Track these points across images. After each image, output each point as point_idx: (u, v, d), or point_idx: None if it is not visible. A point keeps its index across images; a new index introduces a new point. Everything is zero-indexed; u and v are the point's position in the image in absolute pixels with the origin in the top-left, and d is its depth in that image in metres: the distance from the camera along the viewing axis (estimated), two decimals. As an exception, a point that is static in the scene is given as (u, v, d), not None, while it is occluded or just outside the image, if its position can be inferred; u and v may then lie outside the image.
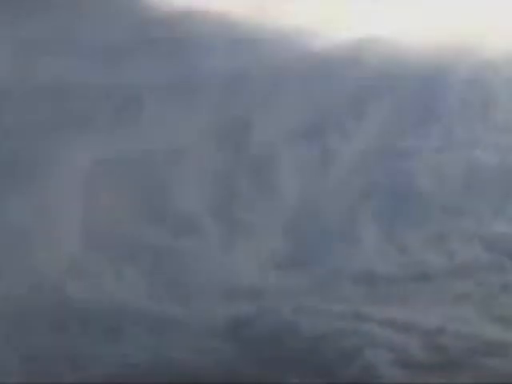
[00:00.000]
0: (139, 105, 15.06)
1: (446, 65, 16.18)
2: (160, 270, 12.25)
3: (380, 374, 10.35)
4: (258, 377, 10.37)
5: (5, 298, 11.27)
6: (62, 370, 10.41)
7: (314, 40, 16.62)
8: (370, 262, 12.50)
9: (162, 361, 10.64)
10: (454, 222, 13.14)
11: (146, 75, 15.63)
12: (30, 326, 10.96)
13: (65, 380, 10.29)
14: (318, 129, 15.02)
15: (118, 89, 15.26)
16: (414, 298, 11.84)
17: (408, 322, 11.28)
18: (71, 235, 12.56)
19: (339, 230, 13.05)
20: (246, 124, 14.93)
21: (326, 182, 14.02)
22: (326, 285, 12.08)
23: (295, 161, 14.35)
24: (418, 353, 10.74)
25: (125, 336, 10.97)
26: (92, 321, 11.18)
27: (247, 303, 11.61)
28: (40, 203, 12.93)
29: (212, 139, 14.61)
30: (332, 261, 12.50)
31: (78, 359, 10.60)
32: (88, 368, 10.46)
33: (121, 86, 15.35)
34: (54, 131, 14.38)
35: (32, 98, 15.17)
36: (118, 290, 11.77)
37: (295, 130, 14.94)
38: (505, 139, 14.81)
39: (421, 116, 15.45)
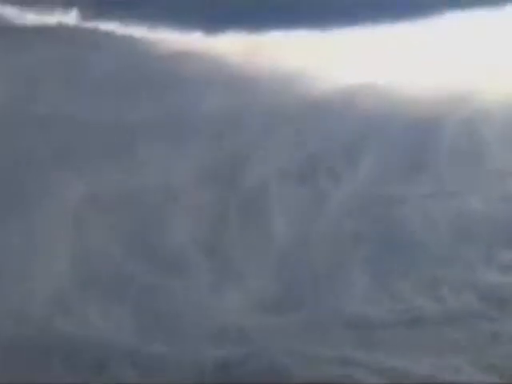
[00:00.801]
0: (133, 140, 15.04)
1: (437, 113, 16.29)
2: (148, 308, 12.09)
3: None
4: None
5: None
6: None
7: (309, 84, 16.72)
8: (361, 307, 12.39)
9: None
10: (445, 270, 13.10)
11: (142, 112, 15.65)
12: (14, 358, 10.80)
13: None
14: (309, 171, 15.04)
15: (113, 124, 15.26)
16: (404, 344, 11.72)
17: (398, 370, 11.16)
18: (59, 269, 12.43)
19: (330, 274, 12.97)
20: (239, 164, 14.93)
21: (317, 224, 13.97)
22: (315, 329, 11.96)
23: (286, 202, 14.32)
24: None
25: (109, 372, 10.81)
26: (77, 356, 11.01)
27: (235, 345, 11.48)
28: (29, 236, 12.81)
29: (204, 178, 14.58)
30: (322, 305, 12.40)
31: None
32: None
33: (116, 121, 15.34)
34: (46, 164, 14.32)
35: (25, 130, 15.14)
36: (104, 326, 11.61)
37: (287, 172, 14.96)
38: (495, 188, 14.87)
39: (412, 163, 15.50)
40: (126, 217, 13.68)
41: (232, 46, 17.82)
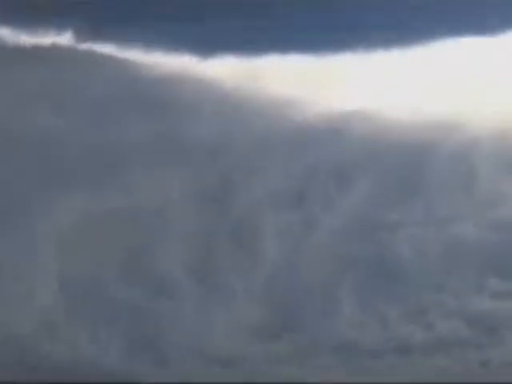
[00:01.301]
0: (126, 163, 15.02)
1: (430, 140, 16.31)
2: (136, 332, 12.06)
3: None
4: None
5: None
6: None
7: (301, 109, 16.74)
8: (349, 332, 12.40)
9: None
10: (435, 297, 13.13)
11: (136, 134, 15.63)
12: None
13: None
14: (301, 197, 15.04)
15: (105, 146, 15.24)
16: (392, 371, 11.72)
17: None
18: (48, 290, 12.38)
19: (319, 300, 12.97)
20: (230, 188, 14.92)
21: (307, 250, 13.96)
22: (303, 355, 11.96)
23: (277, 227, 14.31)
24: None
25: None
26: (64, 379, 10.95)
27: (223, 369, 11.47)
28: (18, 257, 12.77)
29: (195, 201, 14.57)
30: (311, 331, 12.40)
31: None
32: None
33: (108, 143, 15.32)
34: (37, 184, 14.29)
35: (17, 149, 15.12)
36: (92, 349, 11.58)
37: (279, 197, 14.94)
38: (487, 215, 14.89)
39: (404, 190, 15.50)
40: (117, 239, 13.64)
41: (225, 71, 17.86)
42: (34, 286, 12.56)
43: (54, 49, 20.63)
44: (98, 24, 20.52)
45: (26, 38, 21.08)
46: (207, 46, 19.13)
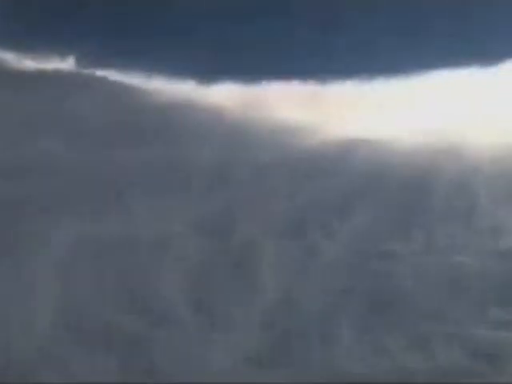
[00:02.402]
0: (126, 190, 15.02)
1: (430, 168, 16.34)
2: (134, 360, 11.96)
3: None
4: None
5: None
6: None
7: (302, 138, 16.77)
8: (349, 363, 12.28)
9: None
10: (435, 326, 13.01)
11: (136, 161, 15.66)
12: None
13: None
14: (301, 226, 14.99)
15: (104, 172, 15.26)
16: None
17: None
18: (46, 317, 12.31)
19: (318, 330, 12.86)
20: (230, 217, 14.89)
21: (306, 280, 13.88)
22: (302, 385, 11.85)
23: (277, 257, 14.25)
24: None
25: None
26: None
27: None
28: (14, 283, 12.72)
29: (194, 230, 14.53)
30: (309, 361, 12.29)
31: None
32: None
33: (110, 170, 15.34)
34: (34, 210, 14.28)
35: (20, 175, 15.15)
36: (90, 377, 11.47)
37: (279, 226, 14.90)
38: (486, 244, 14.84)
39: (404, 219, 15.48)
40: (114, 266, 13.58)
41: (226, 97, 17.90)
42: (30, 312, 12.48)
43: (57, 74, 20.77)
44: (100, 50, 20.66)
45: (29, 63, 21.23)
46: (209, 72, 19.23)
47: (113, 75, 20.25)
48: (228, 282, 13.57)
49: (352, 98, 17.98)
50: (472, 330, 13.03)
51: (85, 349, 11.95)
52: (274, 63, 20.18)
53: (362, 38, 20.92)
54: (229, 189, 15.42)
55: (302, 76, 19.47)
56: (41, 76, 20.48)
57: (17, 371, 11.32)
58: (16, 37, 20.86)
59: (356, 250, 14.64)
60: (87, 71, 20.73)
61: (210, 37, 20.96)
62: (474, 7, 21.16)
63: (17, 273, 12.93)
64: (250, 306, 13.18)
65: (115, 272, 13.39)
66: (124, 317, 12.69)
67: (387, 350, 12.66)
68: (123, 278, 13.35)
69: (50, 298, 12.68)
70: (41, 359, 11.69)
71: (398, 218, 15.48)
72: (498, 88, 18.78)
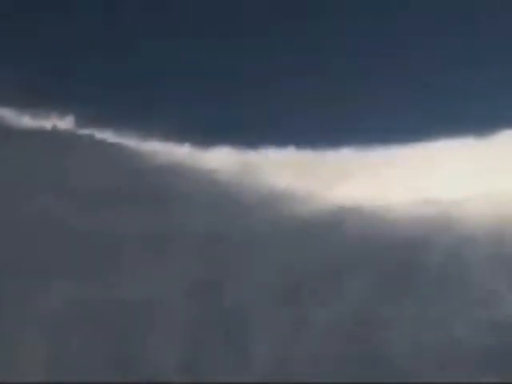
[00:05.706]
0: (116, 253, 14.98)
1: (425, 236, 16.30)
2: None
3: None
4: None
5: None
6: None
7: (297, 206, 16.77)
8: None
9: None
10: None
11: (126, 225, 15.64)
12: None
13: None
14: (293, 293, 14.90)
15: (96, 235, 15.24)
16: None
17: None
18: (35, 377, 12.18)
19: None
20: (221, 282, 14.81)
21: (298, 348, 13.75)
22: None
23: (268, 324, 14.13)
24: None
25: None
26: None
27: None
28: (5, 342, 12.62)
29: (185, 294, 14.44)
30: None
31: None
32: None
33: (100, 233, 15.33)
34: (30, 269, 14.24)
35: (12, 232, 15.12)
36: None
37: (270, 293, 14.80)
38: (481, 314, 14.74)
39: (399, 287, 15.39)
40: (105, 328, 13.49)
41: (221, 162, 17.97)
42: (21, 371, 12.38)
43: (55, 132, 20.90)
44: (98, 110, 20.83)
45: (28, 121, 21.37)
46: (205, 137, 19.37)
47: (110, 136, 20.37)
48: (217, 348, 13.44)
49: (347, 166, 18.05)
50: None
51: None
52: (269, 131, 20.37)
53: (359, 106, 21.14)
54: (220, 255, 15.37)
55: (296, 144, 19.61)
56: (39, 134, 20.57)
57: None
58: (15, 95, 21.03)
59: (349, 317, 14.53)
60: (85, 131, 20.85)
61: (208, 102, 21.18)
62: (470, 81, 21.51)
63: (7, 332, 12.83)
64: (240, 373, 13.05)
65: (104, 335, 13.29)
66: (111, 379, 12.56)
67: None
68: (111, 341, 13.25)
69: (40, 357, 12.59)
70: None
71: (393, 285, 15.41)
72: (494, 158, 18.91)
